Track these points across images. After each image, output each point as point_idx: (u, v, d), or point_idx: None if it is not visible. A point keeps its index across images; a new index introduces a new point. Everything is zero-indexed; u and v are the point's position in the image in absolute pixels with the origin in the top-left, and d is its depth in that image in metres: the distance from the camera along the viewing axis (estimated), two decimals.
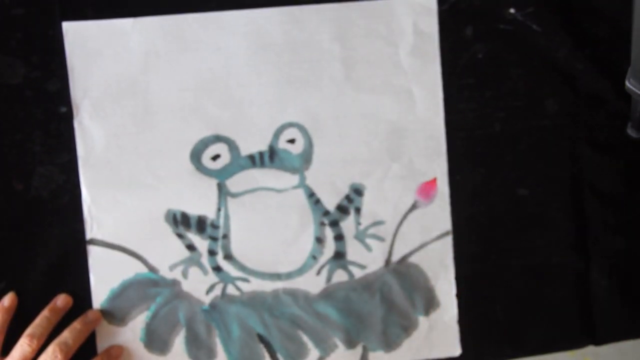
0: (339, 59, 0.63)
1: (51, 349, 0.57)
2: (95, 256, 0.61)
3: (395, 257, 0.64)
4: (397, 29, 0.63)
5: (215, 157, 0.62)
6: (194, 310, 0.62)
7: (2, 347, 0.58)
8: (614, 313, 0.66)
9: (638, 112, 0.61)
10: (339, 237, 0.64)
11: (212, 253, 0.62)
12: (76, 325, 0.59)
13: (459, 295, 0.65)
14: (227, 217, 0.62)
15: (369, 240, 0.64)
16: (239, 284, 0.63)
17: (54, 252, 0.61)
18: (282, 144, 0.63)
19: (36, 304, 0.59)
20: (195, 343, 0.62)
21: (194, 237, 0.62)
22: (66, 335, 0.58)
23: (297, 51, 0.62)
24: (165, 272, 0.62)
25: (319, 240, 0.63)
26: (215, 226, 0.62)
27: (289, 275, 0.63)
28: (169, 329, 0.62)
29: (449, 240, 0.64)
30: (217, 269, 0.63)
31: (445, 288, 0.65)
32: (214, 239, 0.62)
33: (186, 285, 0.62)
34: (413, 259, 0.64)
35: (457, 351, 0.65)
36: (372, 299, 0.64)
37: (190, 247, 0.62)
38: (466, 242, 0.64)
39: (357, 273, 0.64)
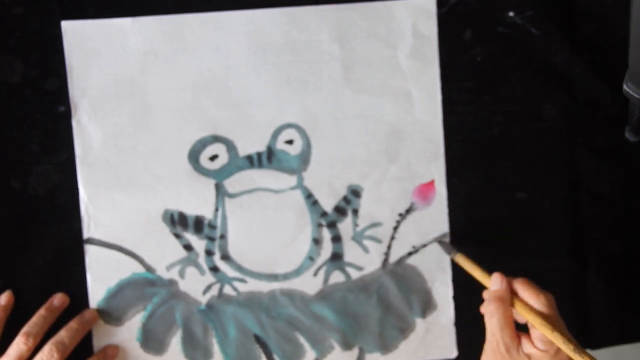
0: (338, 60, 0.63)
1: (47, 348, 0.57)
2: (92, 255, 0.61)
3: (393, 259, 0.64)
4: (397, 31, 0.63)
5: (213, 158, 0.62)
6: (190, 311, 0.62)
7: None
8: (611, 317, 0.67)
9: (636, 115, 0.61)
10: (336, 239, 0.64)
11: (209, 253, 0.62)
12: (73, 324, 0.59)
13: (455, 298, 0.65)
14: (224, 218, 0.62)
15: (366, 242, 0.64)
16: (236, 284, 0.63)
17: (51, 251, 0.61)
18: (280, 145, 0.63)
19: (33, 303, 0.59)
20: (191, 343, 0.62)
21: (191, 237, 0.62)
22: (63, 334, 0.58)
23: (296, 52, 0.62)
24: (162, 272, 0.62)
25: (316, 241, 0.63)
26: (212, 226, 0.62)
27: (285, 276, 0.63)
28: (166, 329, 0.62)
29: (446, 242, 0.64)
30: (214, 269, 0.63)
31: (442, 290, 0.65)
32: (211, 239, 0.62)
33: (183, 285, 0.62)
34: (410, 261, 0.64)
35: (454, 353, 0.65)
36: (369, 301, 0.64)
37: (188, 247, 0.62)
38: (463, 245, 0.64)
39: (354, 274, 0.64)
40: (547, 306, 0.53)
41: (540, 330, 0.52)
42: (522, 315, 0.54)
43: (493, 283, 0.56)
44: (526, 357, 0.53)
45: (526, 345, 0.54)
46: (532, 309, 0.54)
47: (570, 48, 0.64)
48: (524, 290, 0.55)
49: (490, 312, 0.54)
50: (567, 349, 0.50)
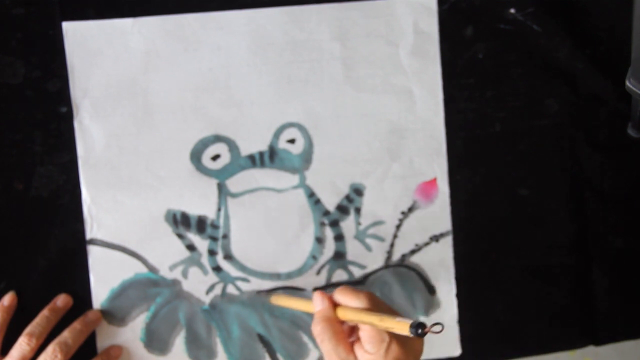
0: (339, 58, 0.63)
1: (51, 348, 0.57)
2: (96, 256, 0.61)
3: (396, 257, 0.64)
4: (398, 28, 0.63)
5: (215, 157, 0.62)
6: (194, 310, 0.62)
7: (1, 347, 0.58)
8: (614, 313, 0.66)
9: (638, 112, 0.61)
10: (339, 237, 0.64)
11: (212, 253, 0.62)
12: (76, 325, 0.59)
13: (459, 295, 0.65)
14: (227, 217, 0.62)
15: (369, 240, 0.64)
16: (239, 283, 0.63)
17: (54, 252, 0.61)
18: (282, 144, 0.63)
19: (36, 304, 0.59)
20: (195, 343, 0.62)
21: (194, 237, 0.62)
22: (66, 335, 0.58)
23: (297, 51, 0.62)
24: (165, 272, 0.62)
25: (319, 240, 0.63)
26: (215, 226, 0.62)
27: (289, 275, 0.63)
28: (169, 329, 0.62)
29: (449, 240, 0.64)
30: (217, 268, 0.63)
31: (446, 288, 0.65)
32: (214, 239, 0.62)
33: (186, 285, 0.62)
34: (413, 259, 0.64)
35: (457, 351, 0.65)
36: None
37: (190, 247, 0.62)
38: (466, 242, 0.64)
39: (357, 273, 0.64)
40: (368, 302, 0.51)
41: (369, 324, 0.49)
42: (348, 319, 0.52)
43: (316, 304, 0.53)
44: None
45: (360, 356, 0.50)
46: (355, 309, 0.51)
47: (572, 44, 0.64)
48: (343, 295, 0.53)
49: (319, 333, 0.52)
50: (399, 326, 0.47)
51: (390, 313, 0.50)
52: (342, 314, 0.52)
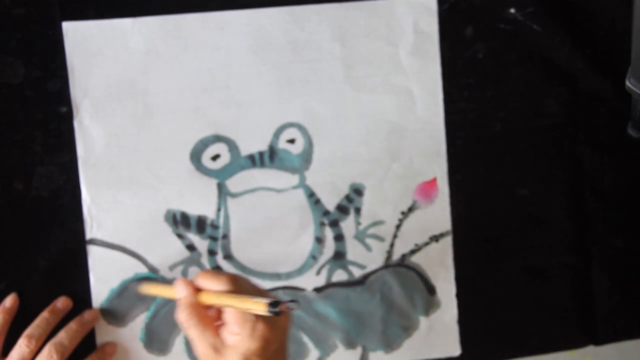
0: (339, 58, 0.63)
1: (47, 349, 0.57)
2: (95, 256, 0.61)
3: (395, 257, 0.64)
4: (398, 28, 0.63)
5: (215, 157, 0.62)
6: None
7: (2, 348, 0.58)
8: (614, 313, 0.66)
9: (638, 111, 0.61)
10: (339, 237, 0.64)
11: (212, 253, 0.62)
12: (72, 325, 0.59)
13: (459, 295, 0.65)
14: (227, 217, 0.62)
15: (368, 240, 0.64)
16: None
17: (54, 252, 0.61)
18: (282, 144, 0.63)
19: (36, 304, 0.59)
20: None
21: (193, 237, 0.62)
22: (62, 335, 0.58)
23: (298, 51, 0.62)
24: (165, 272, 0.62)
25: (319, 240, 0.63)
26: (215, 226, 0.62)
27: (288, 275, 0.63)
28: (169, 329, 0.62)
29: (449, 240, 0.64)
30: (217, 268, 0.62)
31: (446, 288, 0.65)
32: (213, 239, 0.62)
33: None
34: (413, 259, 0.64)
35: (457, 351, 0.65)
36: (372, 299, 0.64)
37: (190, 247, 0.62)
38: (466, 242, 0.64)
39: (357, 273, 0.64)
40: (229, 284, 0.51)
41: (229, 306, 0.50)
42: (210, 303, 0.52)
43: (178, 292, 0.53)
44: (232, 349, 0.49)
45: (228, 338, 0.50)
46: (216, 293, 0.51)
47: (572, 44, 0.64)
48: (204, 280, 0.53)
49: (185, 320, 0.51)
50: (256, 306, 0.48)
51: (253, 293, 0.51)
52: (205, 298, 0.52)
